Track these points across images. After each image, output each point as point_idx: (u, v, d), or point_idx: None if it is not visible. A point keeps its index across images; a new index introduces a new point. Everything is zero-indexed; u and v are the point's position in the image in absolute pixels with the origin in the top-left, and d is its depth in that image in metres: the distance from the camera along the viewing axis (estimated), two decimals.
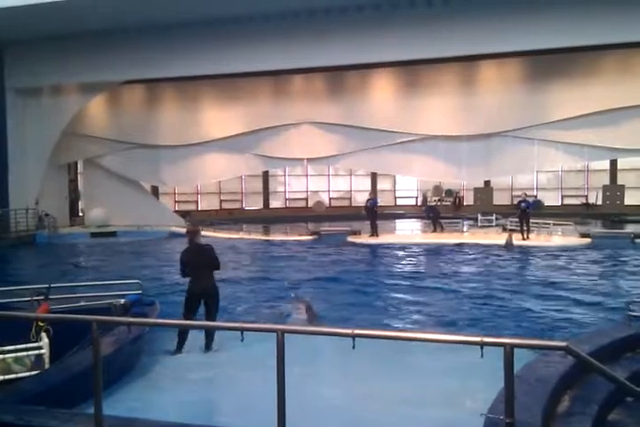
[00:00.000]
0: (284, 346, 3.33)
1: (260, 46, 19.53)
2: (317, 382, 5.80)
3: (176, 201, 30.05)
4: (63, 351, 5.90)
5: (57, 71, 21.30)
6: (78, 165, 27.39)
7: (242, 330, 3.45)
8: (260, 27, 19.61)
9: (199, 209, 30.04)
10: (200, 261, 7.19)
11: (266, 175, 30.65)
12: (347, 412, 5.15)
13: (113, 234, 22.94)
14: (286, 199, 31.82)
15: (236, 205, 30.56)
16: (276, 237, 21.54)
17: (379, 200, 21.38)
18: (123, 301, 7.36)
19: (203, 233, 23.32)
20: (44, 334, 5.86)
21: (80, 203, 27.37)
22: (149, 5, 18.08)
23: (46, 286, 7.13)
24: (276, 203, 31.58)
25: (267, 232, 24.03)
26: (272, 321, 8.26)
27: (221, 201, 30.50)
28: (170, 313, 8.58)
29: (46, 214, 23.12)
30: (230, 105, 24.51)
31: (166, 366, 6.56)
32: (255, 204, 30.95)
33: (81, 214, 26.61)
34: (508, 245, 17.17)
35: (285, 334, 3.34)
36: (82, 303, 7.43)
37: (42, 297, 6.86)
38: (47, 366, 5.66)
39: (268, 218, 28.09)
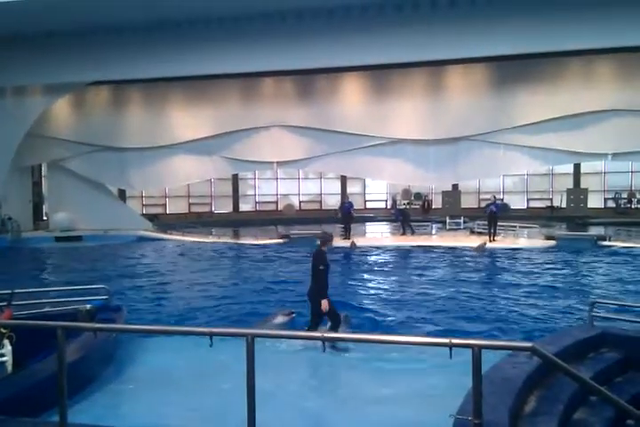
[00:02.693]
0: (254, 351, 3.31)
1: (228, 48, 19.41)
2: (290, 386, 5.79)
3: (143, 204, 29.64)
4: (27, 359, 5.76)
5: (20, 72, 20.78)
6: (42, 168, 26.78)
7: (210, 335, 3.42)
8: (229, 29, 19.49)
9: (167, 212, 29.71)
10: (312, 266, 7.52)
11: (235, 178, 30.48)
12: (318, 415, 5.15)
13: (78, 238, 22.48)
14: (256, 202, 31.72)
15: (206, 209, 30.31)
16: (247, 240, 21.42)
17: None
18: (89, 306, 7.22)
19: (170, 237, 23.14)
20: (6, 341, 5.69)
21: (44, 206, 26.75)
22: (114, 6, 17.80)
23: (9, 291, 6.95)
24: (245, 206, 31.44)
25: (237, 236, 23.89)
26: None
27: (190, 204, 30.21)
28: (137, 319, 8.48)
29: (9, 218, 22.55)
30: (199, 107, 24.30)
31: (133, 373, 6.45)
32: (225, 207, 30.74)
33: (45, 218, 26.01)
34: (480, 249, 17.49)
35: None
36: (46, 309, 7.28)
37: (4, 303, 6.69)
38: (10, 373, 5.51)
39: (237, 221, 27.94)
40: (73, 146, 24.14)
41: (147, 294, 11.52)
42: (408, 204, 25.43)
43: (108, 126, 24.11)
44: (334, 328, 7.28)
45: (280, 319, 8.63)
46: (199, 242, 20.98)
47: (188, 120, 24.38)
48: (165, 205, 30.13)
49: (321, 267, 7.34)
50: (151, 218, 25.90)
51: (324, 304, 7.29)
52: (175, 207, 30.04)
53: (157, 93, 24.19)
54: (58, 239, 22.23)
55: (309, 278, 7.60)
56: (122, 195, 27.77)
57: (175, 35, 19.70)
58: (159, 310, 9.81)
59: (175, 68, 19.99)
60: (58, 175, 24.80)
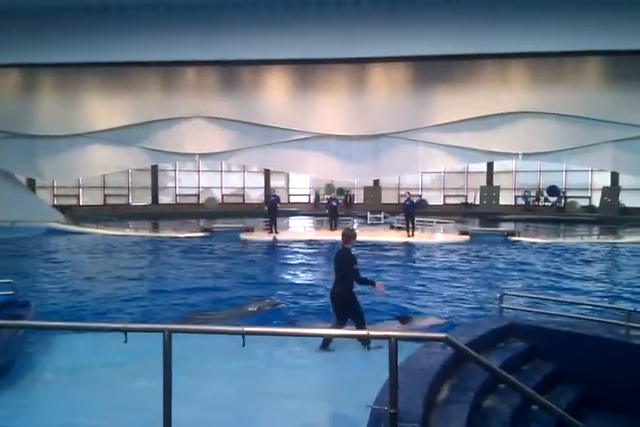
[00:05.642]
0: (170, 346, 3.22)
1: (147, 36, 18.64)
2: (208, 380, 5.70)
3: (55, 195, 28.23)
4: None
5: None
6: None
7: (125, 331, 3.30)
8: (148, 16, 18.73)
9: (81, 204, 28.44)
10: (336, 265, 7.12)
11: (155, 170, 29.62)
12: (237, 410, 5.11)
13: None
14: (176, 195, 30.98)
15: (122, 201, 29.27)
16: (166, 233, 20.89)
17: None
18: None
19: (83, 229, 22.17)
20: None
21: None
22: None
23: None
24: (165, 199, 30.64)
25: (155, 229, 23.23)
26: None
27: (106, 196, 29.07)
28: (47, 314, 8.07)
29: None
30: (117, 95, 23.33)
31: (41, 372, 6.14)
32: (143, 199, 29.81)
33: None
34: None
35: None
36: None
37: None
38: None
39: (156, 214, 27.19)
40: None
41: (57, 288, 10.99)
42: (331, 199, 25.71)
43: (15, 112, 22.67)
44: (360, 328, 6.82)
45: (266, 307, 8.84)
46: (115, 235, 20.24)
47: (104, 108, 23.37)
48: (79, 196, 28.81)
49: (355, 267, 6.99)
50: (63, 209, 24.68)
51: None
52: (89, 199, 28.81)
53: (72, 79, 23.00)
54: None
55: (333, 279, 7.28)
56: (31, 185, 26.29)
57: (90, 19, 18.70)
58: (71, 306, 9.38)
59: (89, 53, 19.00)
60: None
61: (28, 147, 23.02)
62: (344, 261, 7.08)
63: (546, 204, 28.49)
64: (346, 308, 7.08)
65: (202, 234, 20.35)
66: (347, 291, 7.08)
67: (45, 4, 18.23)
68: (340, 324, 7.06)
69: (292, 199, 31.76)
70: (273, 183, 30.89)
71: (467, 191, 30.30)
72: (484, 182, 29.28)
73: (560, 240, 19.23)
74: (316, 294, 10.45)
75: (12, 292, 7.32)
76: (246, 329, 3.28)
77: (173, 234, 20.42)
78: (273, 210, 20.27)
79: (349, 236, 7.25)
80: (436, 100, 22.88)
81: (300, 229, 24.16)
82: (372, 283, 7.12)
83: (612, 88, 21.67)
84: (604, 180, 26.97)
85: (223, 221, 23.27)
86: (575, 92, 22.00)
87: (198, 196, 30.90)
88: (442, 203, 30.24)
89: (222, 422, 4.91)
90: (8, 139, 22.82)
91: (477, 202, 28.61)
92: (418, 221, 20.41)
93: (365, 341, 6.56)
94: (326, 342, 6.80)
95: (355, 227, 22.81)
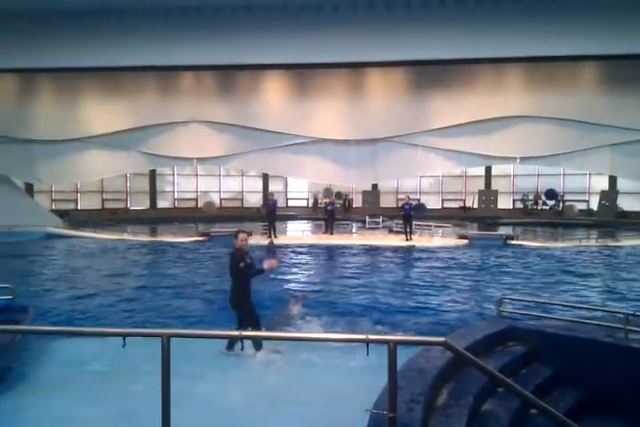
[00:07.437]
0: (169, 351, 3.22)
1: (145, 40, 18.70)
2: (207, 384, 5.69)
3: (53, 200, 28.18)
4: None
5: None
6: None
7: (124, 335, 3.29)
8: (146, 20, 18.80)
9: (79, 208, 28.39)
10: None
11: (153, 174, 29.60)
12: (235, 415, 5.09)
13: None
14: (175, 199, 30.95)
15: (121, 205, 29.23)
16: (164, 238, 20.84)
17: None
18: None
19: (82, 234, 22.15)
20: None
21: None
22: None
23: None
24: (163, 203, 30.60)
25: (154, 233, 23.20)
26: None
27: (104, 200, 29.03)
28: (45, 319, 8.05)
29: None
30: (115, 99, 23.38)
31: (40, 378, 6.12)
32: (141, 204, 29.77)
33: None
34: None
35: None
36: None
37: None
38: None
39: (154, 219, 27.15)
40: None
41: (56, 293, 10.96)
42: (329, 203, 25.74)
43: (13, 116, 22.74)
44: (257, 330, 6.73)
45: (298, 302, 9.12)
46: (113, 239, 20.20)
47: (102, 113, 23.42)
48: (77, 200, 28.77)
49: (239, 266, 6.81)
50: (62, 214, 24.64)
51: (267, 263, 6.94)
52: (88, 203, 28.75)
53: (69, 83, 23.05)
54: None
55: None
56: (29, 189, 26.25)
57: (88, 24, 18.76)
58: (69, 310, 9.35)
59: (87, 58, 19.06)
60: None
61: (26, 151, 23.03)
62: (229, 264, 6.97)
63: (544, 207, 28.51)
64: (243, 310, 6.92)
65: (200, 238, 20.30)
66: (241, 294, 6.94)
67: (43, 9, 18.28)
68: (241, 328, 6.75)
69: (291, 203, 31.76)
70: (271, 187, 30.88)
71: (465, 195, 30.30)
72: (482, 186, 29.29)
73: (558, 244, 19.23)
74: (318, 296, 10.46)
75: (10, 296, 7.31)
76: (244, 333, 3.28)
77: (172, 239, 20.38)
78: (271, 214, 20.25)
79: (234, 236, 7.12)
80: (434, 104, 22.95)
81: (297, 233, 24.15)
82: (263, 270, 7.03)
83: (609, 92, 21.76)
84: (601, 183, 26.99)
85: (221, 226, 23.24)
86: (572, 96, 22.08)
87: (196, 200, 30.89)
88: (440, 207, 30.25)
89: (220, 425, 4.90)
90: (6, 143, 22.84)
91: (475, 206, 28.62)
92: (416, 225, 20.41)
93: (257, 343, 6.42)
94: (231, 345, 6.52)
95: (354, 231, 22.82)
